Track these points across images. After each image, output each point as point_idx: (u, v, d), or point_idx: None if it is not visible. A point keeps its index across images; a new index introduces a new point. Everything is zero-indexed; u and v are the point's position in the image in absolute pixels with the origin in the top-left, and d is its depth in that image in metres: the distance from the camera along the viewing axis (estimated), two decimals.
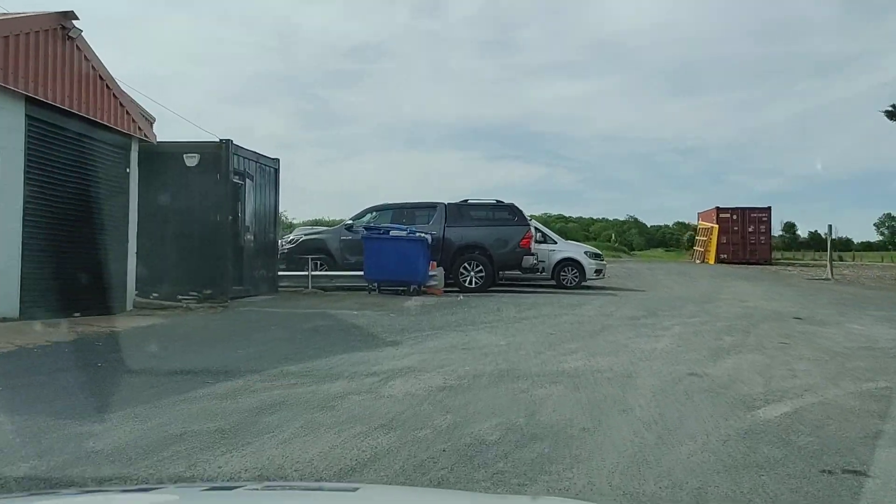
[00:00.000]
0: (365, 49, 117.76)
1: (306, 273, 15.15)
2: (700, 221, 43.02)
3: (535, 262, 16.17)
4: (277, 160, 15.35)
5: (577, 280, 17.96)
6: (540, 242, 18.10)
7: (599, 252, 19.05)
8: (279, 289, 15.18)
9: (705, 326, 9.73)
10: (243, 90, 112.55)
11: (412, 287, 14.56)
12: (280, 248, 16.12)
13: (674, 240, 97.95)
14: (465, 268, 15.66)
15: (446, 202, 16.25)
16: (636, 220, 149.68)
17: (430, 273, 15.05)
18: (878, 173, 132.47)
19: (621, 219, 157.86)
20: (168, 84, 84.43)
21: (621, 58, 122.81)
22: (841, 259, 45.24)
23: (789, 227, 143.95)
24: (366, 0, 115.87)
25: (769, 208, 37.84)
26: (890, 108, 24.01)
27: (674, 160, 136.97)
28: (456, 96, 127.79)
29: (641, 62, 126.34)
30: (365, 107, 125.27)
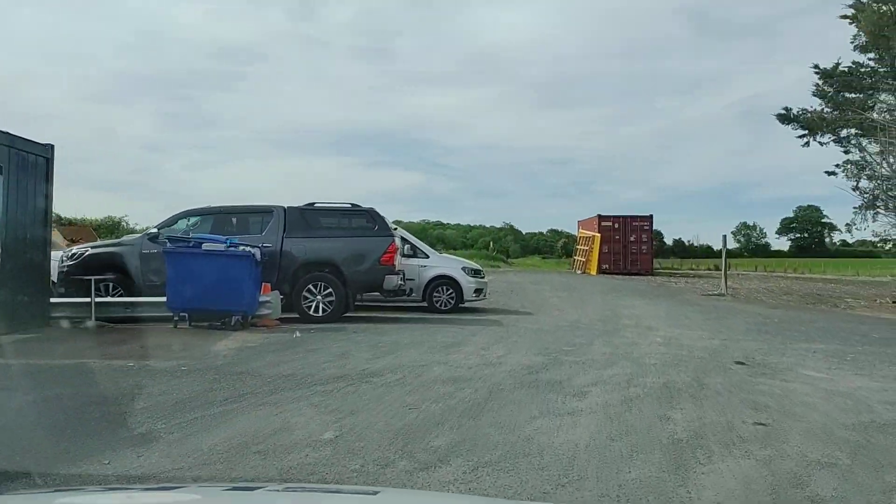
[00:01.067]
0: (238, 51, 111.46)
1: (89, 300, 11.08)
2: (581, 230, 41.40)
3: (400, 282, 12.86)
4: (49, 147, 11.16)
5: (453, 302, 14.84)
6: (409, 256, 14.84)
7: (479, 268, 16.03)
8: (51, 320, 11.05)
9: (635, 388, 6.72)
10: (104, 89, 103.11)
11: (235, 319, 10.88)
12: (60, 264, 11.98)
13: (548, 247, 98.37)
14: (309, 291, 12.11)
15: (286, 206, 12.65)
16: (512, 227, 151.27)
17: (262, 299, 11.41)
18: (733, 185, 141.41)
19: (498, 226, 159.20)
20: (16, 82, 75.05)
21: (497, 70, 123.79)
22: (717, 269, 45.06)
23: (656, 235, 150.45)
24: (238, 1, 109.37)
25: (651, 217, 36.61)
26: (783, 112, 22.76)
27: (547, 170, 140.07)
28: (334, 102, 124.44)
29: (516, 75, 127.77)
30: (241, 110, 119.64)
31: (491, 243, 58.15)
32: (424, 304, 14.84)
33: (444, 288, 14.92)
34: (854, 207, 21.77)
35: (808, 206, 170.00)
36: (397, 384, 6.82)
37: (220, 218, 12.69)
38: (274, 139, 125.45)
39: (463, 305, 15.09)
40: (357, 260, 12.26)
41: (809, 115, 22.04)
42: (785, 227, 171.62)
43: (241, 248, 11.06)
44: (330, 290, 12.09)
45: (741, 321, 13.79)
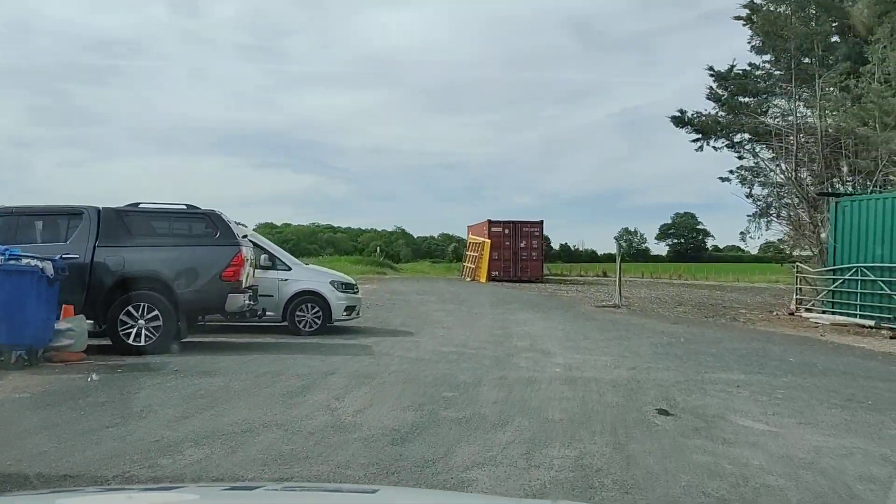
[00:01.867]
0: (114, 44, 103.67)
1: None
2: (470, 235, 39.92)
3: (248, 301, 10.45)
4: None
5: (319, 322, 12.59)
6: (266, 268, 12.47)
7: (352, 281, 13.79)
8: None
9: (537, 472, 4.75)
10: None
11: (15, 355, 8.21)
12: None
13: (439, 251, 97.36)
14: (129, 314, 9.53)
15: (100, 206, 10.00)
16: (404, 231, 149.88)
17: (61, 326, 8.78)
18: (614, 192, 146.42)
19: (390, 229, 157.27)
20: None
21: (389, 73, 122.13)
22: (605, 275, 44.82)
23: (544, 240, 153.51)
24: None
25: (541, 222, 35.58)
26: (677, 114, 21.93)
27: (439, 174, 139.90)
28: (219, 100, 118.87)
29: (408, 79, 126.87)
30: (117, 106, 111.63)
31: (378, 248, 55.86)
32: (286, 324, 12.53)
33: (309, 305, 12.64)
34: (748, 215, 21.28)
35: (685, 213, 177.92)
36: (194, 468, 4.54)
37: (11, 221, 9.87)
38: (155, 137, 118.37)
39: (333, 325, 12.90)
40: (191, 275, 9.80)
41: (704, 118, 21.32)
42: (664, 233, 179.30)
43: (25, 260, 8.38)
44: (156, 312, 9.56)
45: (645, 341, 12.30)
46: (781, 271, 51.78)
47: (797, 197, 18.24)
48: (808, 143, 18.26)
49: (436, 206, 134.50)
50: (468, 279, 36.65)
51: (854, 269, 15.78)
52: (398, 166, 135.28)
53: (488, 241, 34.59)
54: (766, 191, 20.48)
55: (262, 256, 12.47)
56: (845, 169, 17.06)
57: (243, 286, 10.25)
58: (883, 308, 15.10)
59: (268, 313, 12.21)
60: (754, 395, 7.85)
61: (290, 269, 12.82)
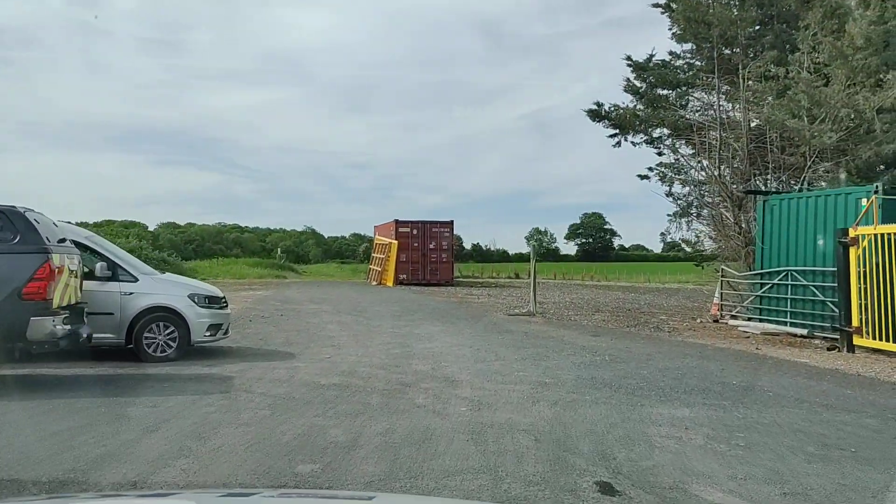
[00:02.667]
0: (3, 32, 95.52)
1: None
2: (377, 236, 37.73)
3: (61, 326, 7.97)
4: None
5: (174, 344, 10.21)
6: (104, 279, 9.98)
7: (218, 294, 11.36)
8: None
9: None
10: None
11: None
12: None
13: (350, 251, 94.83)
14: None
15: None
16: (314, 231, 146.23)
17: None
18: (524, 192, 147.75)
19: (299, 229, 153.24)
20: None
21: (297, 71, 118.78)
22: (518, 276, 43.52)
23: (456, 240, 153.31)
24: None
25: (451, 223, 33.76)
26: (594, 107, 20.49)
27: (349, 173, 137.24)
28: (118, 95, 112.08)
29: (317, 77, 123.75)
30: (6, 99, 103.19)
31: (279, 250, 52.70)
32: (132, 347, 10.10)
33: (162, 325, 10.23)
34: (668, 214, 20.07)
35: (593, 213, 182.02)
36: None
37: None
38: (48, 133, 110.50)
39: (194, 347, 10.56)
40: None
41: (622, 111, 19.96)
42: (573, 233, 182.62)
43: None
44: None
45: (566, 361, 10.54)
46: (693, 271, 52.08)
47: (720, 195, 17.07)
48: (730, 138, 17.12)
49: (346, 205, 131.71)
50: (374, 283, 34.45)
51: (784, 273, 14.62)
52: (307, 165, 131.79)
53: (395, 242, 32.52)
54: (687, 189, 19.40)
55: (99, 265, 9.97)
56: (771, 165, 15.96)
57: (55, 306, 7.79)
58: (815, 315, 13.95)
59: (105, 337, 9.75)
60: (710, 441, 6.14)
61: (136, 279, 10.33)
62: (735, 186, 16.87)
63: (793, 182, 15.94)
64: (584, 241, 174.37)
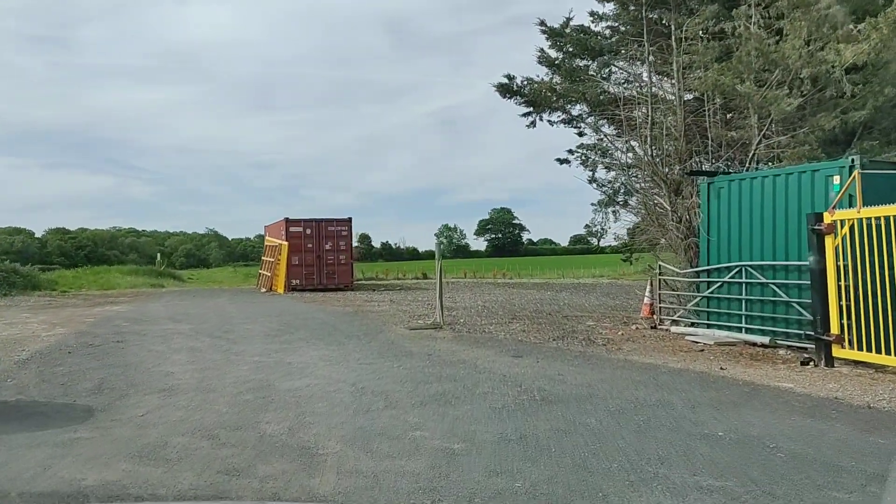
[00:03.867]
0: None
1: None
2: (267, 237, 33.91)
3: None
4: None
5: None
6: None
7: None
8: None
9: None
10: None
11: None
12: None
13: (255, 253, 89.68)
14: None
15: None
16: (216, 233, 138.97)
17: None
18: (433, 189, 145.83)
19: (201, 232, 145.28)
20: None
21: (197, 68, 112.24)
22: (425, 276, 40.56)
23: (364, 238, 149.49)
24: None
25: (349, 220, 30.35)
26: (504, 82, 17.67)
27: (253, 173, 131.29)
28: (1, 94, 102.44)
29: (217, 75, 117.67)
30: None
31: (158, 256, 47.70)
32: None
33: None
34: (592, 204, 17.55)
35: (502, 208, 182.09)
36: None
37: None
38: None
39: None
40: None
41: (536, 85, 17.25)
42: (482, 228, 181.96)
43: None
44: None
45: (482, 406, 7.55)
46: (608, 265, 50.60)
47: (653, 179, 14.58)
48: (662, 113, 14.68)
49: (251, 206, 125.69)
50: (264, 290, 30.66)
51: (736, 269, 12.18)
52: (209, 166, 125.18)
53: (286, 243, 28.86)
54: (613, 173, 16.93)
55: None
56: (712, 142, 13.55)
57: None
58: (778, 320, 11.55)
59: None
60: None
61: None
62: (670, 169, 14.42)
63: (738, 162, 13.61)
64: (493, 236, 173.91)
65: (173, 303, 23.05)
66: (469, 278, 40.60)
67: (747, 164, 13.15)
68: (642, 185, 15.33)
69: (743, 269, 12.01)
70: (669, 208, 14.01)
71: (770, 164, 12.81)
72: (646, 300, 17.27)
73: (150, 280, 35.04)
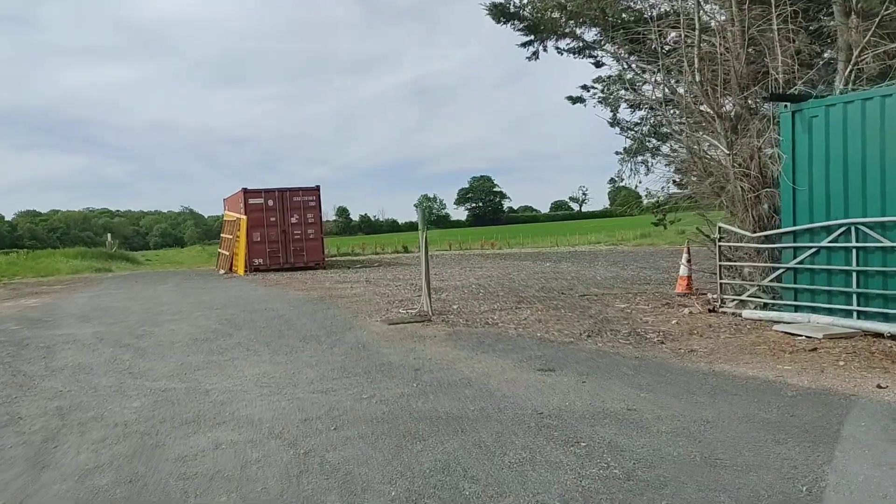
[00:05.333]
0: None
1: None
2: (226, 211, 30.04)
3: None
4: None
5: None
6: None
7: None
8: None
9: None
10: None
11: None
12: None
13: None
14: None
15: None
16: (192, 211, 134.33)
17: None
18: (410, 160, 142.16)
19: (176, 210, 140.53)
20: None
21: (165, 45, 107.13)
22: (406, 250, 36.93)
23: (342, 212, 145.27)
24: None
25: (317, 188, 26.55)
26: (498, 1, 13.93)
27: (227, 150, 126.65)
28: None
29: (186, 51, 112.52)
30: None
31: (109, 236, 43.55)
32: None
33: None
34: (617, 153, 14.02)
35: (482, 176, 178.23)
36: None
37: None
38: None
39: None
40: None
41: (540, 4, 13.56)
42: (462, 198, 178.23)
43: None
44: None
45: (527, 496, 4.06)
46: (603, 230, 47.18)
47: (702, 115, 11.02)
48: (710, 32, 11.10)
49: (226, 182, 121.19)
50: (222, 271, 26.90)
51: (841, 230, 8.71)
52: (182, 143, 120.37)
53: (244, 217, 25.06)
54: (643, 113, 13.36)
55: None
56: (777, 66, 9.99)
57: None
58: None
59: None
60: None
61: None
62: (725, 99, 10.86)
63: (825, 84, 10.10)
64: (473, 205, 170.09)
65: (105, 292, 19.27)
66: (454, 250, 37.00)
67: (841, 85, 9.64)
68: (682, 123, 11.76)
69: (852, 229, 8.54)
70: (728, 151, 10.47)
71: (871, 86, 9.29)
72: (682, 272, 13.86)
73: (97, 264, 31.10)
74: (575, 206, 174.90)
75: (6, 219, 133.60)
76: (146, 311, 14.00)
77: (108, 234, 43.42)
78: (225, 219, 29.75)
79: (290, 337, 10.16)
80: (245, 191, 25.43)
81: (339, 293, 16.28)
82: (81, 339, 10.65)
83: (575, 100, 14.94)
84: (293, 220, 25.74)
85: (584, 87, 14.81)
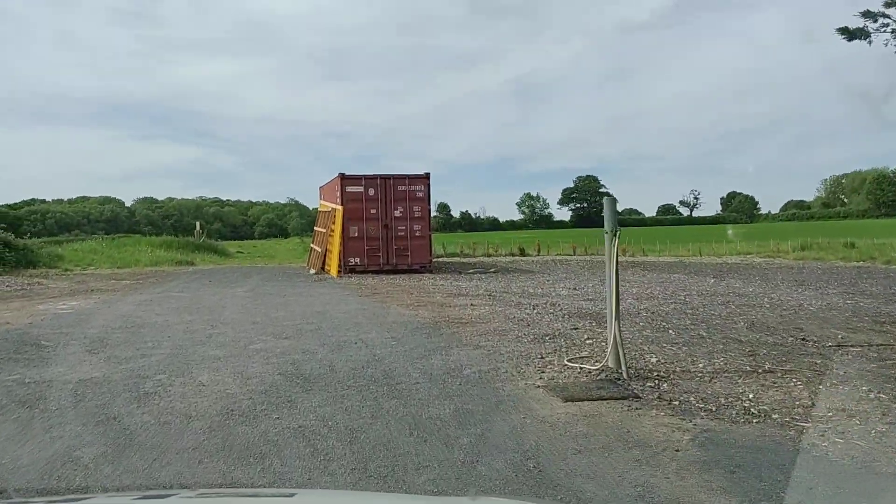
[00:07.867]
0: None
1: None
2: (321, 202, 26.21)
3: None
4: None
5: None
6: None
7: None
8: None
9: None
10: None
11: None
12: None
13: None
14: None
15: None
16: (297, 202, 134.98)
17: None
18: (510, 157, 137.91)
19: (282, 202, 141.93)
20: None
21: (274, 40, 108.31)
22: (523, 253, 32.18)
23: (443, 208, 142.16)
24: None
25: (427, 176, 22.17)
26: None
27: (331, 143, 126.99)
28: (90, 68, 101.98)
29: (294, 46, 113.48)
30: None
31: (198, 225, 40.90)
32: None
33: None
34: None
35: (588, 176, 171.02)
36: None
37: None
38: (20, 109, 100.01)
39: None
40: None
41: None
42: (566, 198, 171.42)
43: None
44: None
45: None
46: (702, 237, 40.76)
47: None
48: None
49: (329, 176, 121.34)
50: (313, 271, 23.03)
51: None
52: (288, 136, 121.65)
53: (340, 208, 21.04)
54: None
55: None
56: None
57: None
58: None
59: None
60: None
61: None
62: None
63: None
64: (578, 205, 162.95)
65: (164, 295, 15.56)
66: (579, 255, 31.90)
67: None
68: None
69: None
70: None
71: None
72: None
73: (181, 255, 28.09)
74: (684, 211, 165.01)
75: (126, 205, 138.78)
76: (189, 334, 9.88)
77: (197, 223, 40.93)
78: (320, 209, 25.95)
79: (392, 419, 5.66)
80: (342, 176, 21.40)
81: (457, 315, 11.76)
82: (51, 401, 6.52)
83: (851, 35, 9.86)
84: (397, 213, 21.53)
85: (866, 14, 9.66)
